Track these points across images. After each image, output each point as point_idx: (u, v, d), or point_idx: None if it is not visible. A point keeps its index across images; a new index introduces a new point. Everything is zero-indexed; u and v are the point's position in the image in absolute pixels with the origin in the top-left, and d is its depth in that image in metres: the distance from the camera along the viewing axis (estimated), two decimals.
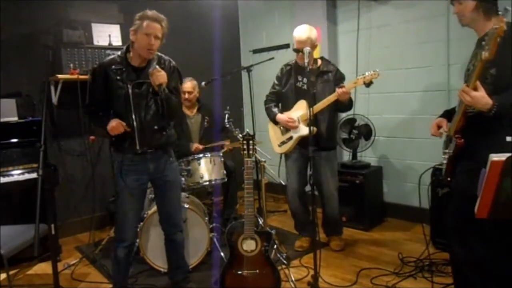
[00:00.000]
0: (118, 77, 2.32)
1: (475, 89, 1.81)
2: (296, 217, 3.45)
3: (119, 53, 2.39)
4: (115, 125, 2.28)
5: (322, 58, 3.32)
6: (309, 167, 2.88)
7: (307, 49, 2.76)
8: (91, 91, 2.41)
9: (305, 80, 3.19)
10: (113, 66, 2.33)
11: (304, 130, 3.14)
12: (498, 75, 1.84)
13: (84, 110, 2.63)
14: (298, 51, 3.06)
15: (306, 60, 2.66)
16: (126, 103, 2.32)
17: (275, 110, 3.32)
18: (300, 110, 3.18)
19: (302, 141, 3.17)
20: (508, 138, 1.84)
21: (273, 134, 3.41)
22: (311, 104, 3.04)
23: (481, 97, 1.79)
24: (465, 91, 1.83)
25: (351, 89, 3.01)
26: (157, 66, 2.30)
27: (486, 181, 1.49)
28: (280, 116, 3.25)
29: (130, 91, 2.31)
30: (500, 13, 1.79)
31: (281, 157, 3.46)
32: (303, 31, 3.07)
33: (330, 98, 3.05)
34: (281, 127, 3.32)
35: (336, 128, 3.45)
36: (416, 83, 3.78)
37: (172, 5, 4.34)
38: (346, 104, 3.13)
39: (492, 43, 1.68)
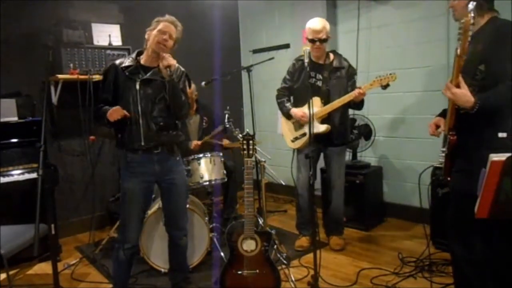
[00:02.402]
0: (126, 73, 2.35)
1: (458, 85, 1.81)
2: (301, 213, 3.45)
3: (131, 55, 2.44)
4: (115, 108, 2.28)
5: (334, 52, 3.33)
6: (309, 166, 2.84)
7: (307, 49, 2.75)
8: (102, 90, 2.42)
9: (318, 76, 3.21)
10: (123, 65, 2.37)
11: (318, 128, 3.16)
12: (488, 71, 1.85)
13: (94, 111, 2.53)
14: (313, 41, 3.09)
15: (306, 60, 2.65)
16: (132, 98, 2.33)
17: (288, 105, 3.32)
18: (314, 107, 3.14)
19: (316, 137, 3.16)
20: (500, 135, 1.84)
21: (287, 129, 3.41)
22: (324, 101, 3.12)
23: (462, 95, 1.79)
24: (447, 87, 1.83)
25: (367, 90, 3.03)
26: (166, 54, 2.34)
27: (486, 181, 1.49)
28: (295, 111, 3.25)
29: (137, 87, 2.33)
30: (470, 5, 1.78)
31: (293, 154, 3.44)
32: (318, 21, 3.12)
33: (345, 98, 3.08)
34: (294, 123, 3.32)
35: (348, 124, 3.48)
36: (416, 83, 3.78)
37: (172, 5, 4.34)
38: (358, 103, 3.16)
39: (463, 38, 1.69)
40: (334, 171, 3.35)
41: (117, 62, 2.40)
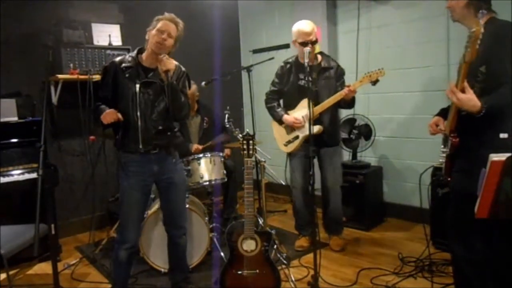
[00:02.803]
0: (126, 75, 2.32)
1: (463, 90, 1.81)
2: (299, 216, 3.44)
3: (132, 53, 2.41)
4: (108, 112, 2.25)
5: (321, 53, 3.31)
6: (310, 166, 2.78)
7: (306, 49, 2.74)
8: (100, 89, 2.40)
9: (307, 78, 3.17)
10: (123, 64, 2.33)
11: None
12: (489, 72, 1.85)
13: (93, 109, 2.49)
14: (305, 44, 2.98)
15: (306, 60, 2.64)
16: (132, 101, 2.31)
17: (280, 110, 3.28)
18: (304, 109, 3.10)
19: (308, 140, 3.08)
20: (502, 135, 1.84)
21: (278, 133, 3.36)
22: (313, 103, 3.02)
23: (468, 100, 1.79)
24: (452, 92, 1.83)
25: (357, 88, 2.98)
26: (167, 55, 2.31)
27: (486, 181, 1.50)
28: (287, 117, 3.22)
29: (137, 89, 2.31)
30: (479, 14, 1.81)
31: (287, 158, 3.40)
32: (306, 24, 3.04)
33: (336, 97, 3.04)
34: (286, 127, 3.29)
35: (338, 124, 3.44)
36: (416, 83, 3.78)
37: (172, 5, 4.34)
38: (349, 102, 3.11)
39: (472, 46, 1.71)
40: (330, 172, 3.31)
41: (118, 60, 2.37)
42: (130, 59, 2.37)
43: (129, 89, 2.32)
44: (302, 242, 3.39)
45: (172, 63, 2.31)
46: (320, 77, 3.17)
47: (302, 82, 3.18)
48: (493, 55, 1.83)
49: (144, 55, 2.39)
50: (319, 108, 3.11)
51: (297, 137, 3.23)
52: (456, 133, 1.97)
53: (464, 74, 1.80)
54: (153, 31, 2.30)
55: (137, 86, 2.31)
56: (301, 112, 3.17)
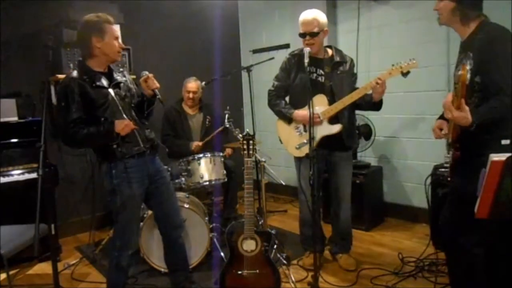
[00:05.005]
0: (95, 84, 2.20)
1: (458, 107, 1.79)
2: (305, 227, 3.06)
3: (75, 69, 2.25)
4: (127, 123, 2.22)
5: (330, 46, 2.98)
6: (310, 166, 2.39)
7: (306, 49, 2.65)
8: (70, 111, 2.15)
9: (319, 71, 2.84)
10: (84, 76, 2.19)
11: (328, 129, 2.80)
12: (484, 82, 1.85)
13: (68, 131, 2.17)
14: (303, 35, 2.75)
15: (306, 61, 2.57)
16: (113, 106, 2.25)
17: (288, 107, 2.91)
18: (320, 106, 2.78)
19: (322, 141, 2.80)
20: (503, 142, 1.84)
21: (286, 135, 2.96)
22: (329, 100, 2.81)
23: (462, 118, 1.77)
24: (449, 109, 1.81)
25: (385, 79, 2.63)
26: (147, 72, 2.35)
27: (486, 181, 1.50)
28: (299, 112, 2.83)
29: (112, 94, 2.26)
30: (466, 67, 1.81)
31: (296, 162, 2.98)
32: (308, 12, 2.76)
33: (360, 91, 2.70)
34: (296, 127, 2.92)
35: (355, 125, 3.11)
36: (416, 83, 3.77)
37: (172, 5, 4.33)
38: (376, 102, 2.71)
39: (460, 90, 1.72)
40: (343, 179, 2.95)
41: (74, 75, 2.19)
42: (85, 69, 2.22)
43: (105, 96, 2.23)
44: (309, 262, 2.98)
45: (156, 83, 2.37)
46: (334, 72, 2.85)
47: (313, 76, 2.84)
48: (487, 65, 1.82)
49: (93, 62, 2.25)
50: (340, 105, 2.75)
51: (312, 138, 2.69)
52: (458, 143, 1.95)
53: (461, 96, 1.76)
54: (112, 40, 2.24)
55: (111, 90, 2.26)
56: (315, 109, 2.73)
